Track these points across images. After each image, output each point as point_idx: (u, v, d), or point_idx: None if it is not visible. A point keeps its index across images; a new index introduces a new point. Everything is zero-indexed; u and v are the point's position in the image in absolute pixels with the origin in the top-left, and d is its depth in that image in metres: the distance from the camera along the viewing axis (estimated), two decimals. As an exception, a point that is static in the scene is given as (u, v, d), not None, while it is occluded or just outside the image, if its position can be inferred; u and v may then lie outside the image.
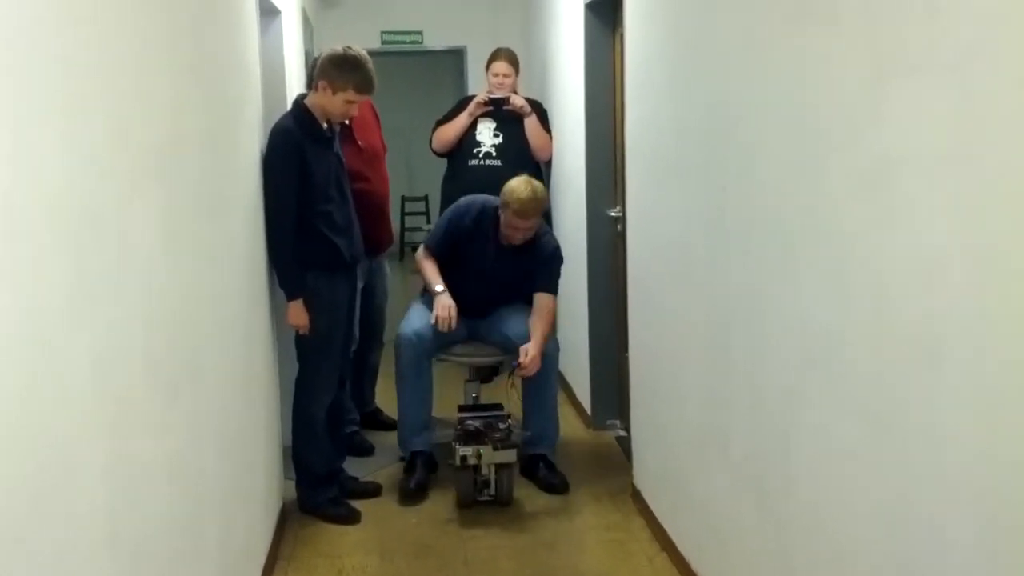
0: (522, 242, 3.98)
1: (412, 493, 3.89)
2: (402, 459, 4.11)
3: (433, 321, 3.91)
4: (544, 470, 4.01)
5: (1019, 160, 1.42)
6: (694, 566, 3.09)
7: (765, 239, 2.42)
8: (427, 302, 4.07)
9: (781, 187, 2.31)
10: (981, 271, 1.52)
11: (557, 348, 4.19)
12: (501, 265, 4.03)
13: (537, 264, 4.04)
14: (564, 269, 4.08)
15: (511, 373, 3.97)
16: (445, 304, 3.90)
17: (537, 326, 3.89)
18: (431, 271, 4.02)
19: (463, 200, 4.15)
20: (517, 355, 3.81)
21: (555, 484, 3.96)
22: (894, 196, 1.76)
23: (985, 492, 1.54)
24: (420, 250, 4.15)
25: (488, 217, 4.02)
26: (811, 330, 2.16)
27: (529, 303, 4.01)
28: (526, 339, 3.86)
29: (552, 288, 4.07)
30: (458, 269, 4.04)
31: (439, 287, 3.95)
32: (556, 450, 4.14)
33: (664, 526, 3.41)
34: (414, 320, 4.04)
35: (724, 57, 2.68)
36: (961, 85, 1.55)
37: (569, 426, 4.81)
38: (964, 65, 1.54)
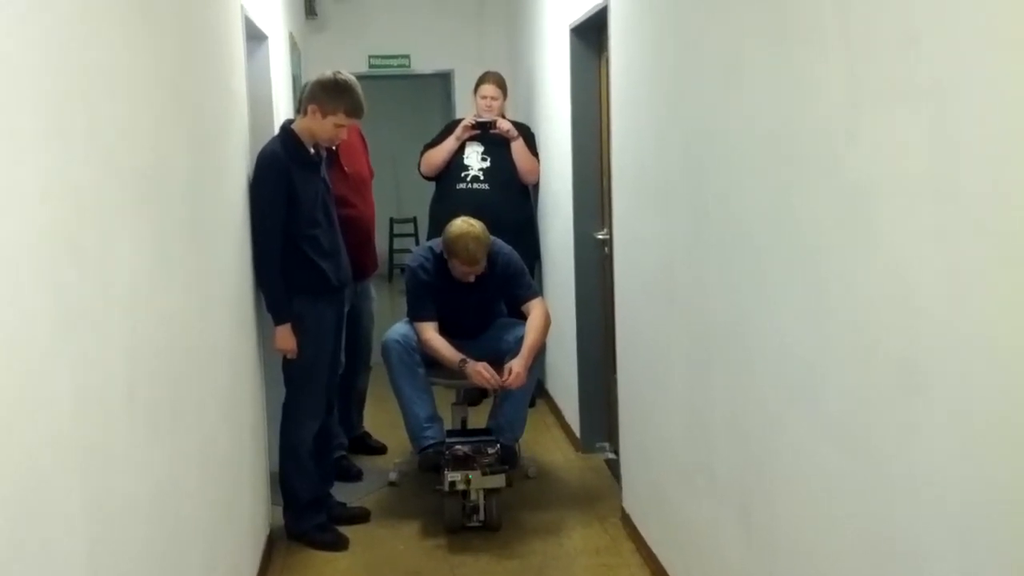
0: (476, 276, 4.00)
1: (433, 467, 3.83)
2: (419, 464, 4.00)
3: (486, 386, 3.93)
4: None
5: (996, 186, 1.43)
6: (683, 591, 3.08)
7: (744, 265, 2.43)
8: (409, 323, 4.08)
9: (760, 213, 2.31)
10: (960, 297, 1.52)
11: (543, 350, 4.18)
12: (469, 294, 4.07)
13: (506, 277, 4.07)
14: (552, 291, 4.06)
15: (496, 392, 3.97)
16: (478, 369, 3.87)
17: (527, 339, 3.93)
18: (443, 348, 3.96)
19: (410, 261, 4.16)
20: (508, 371, 3.84)
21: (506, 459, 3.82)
22: (872, 222, 1.77)
23: (965, 518, 1.54)
24: (418, 328, 4.00)
25: (438, 261, 4.03)
26: (791, 356, 2.16)
27: (520, 316, 4.07)
28: (519, 344, 3.91)
29: (532, 291, 4.13)
30: (439, 308, 4.06)
31: (460, 359, 3.91)
32: (519, 447, 4.08)
33: (654, 551, 3.40)
34: (397, 328, 4.07)
35: (705, 83, 2.69)
36: (939, 112, 1.56)
37: (558, 449, 4.80)
38: (942, 92, 1.55)
